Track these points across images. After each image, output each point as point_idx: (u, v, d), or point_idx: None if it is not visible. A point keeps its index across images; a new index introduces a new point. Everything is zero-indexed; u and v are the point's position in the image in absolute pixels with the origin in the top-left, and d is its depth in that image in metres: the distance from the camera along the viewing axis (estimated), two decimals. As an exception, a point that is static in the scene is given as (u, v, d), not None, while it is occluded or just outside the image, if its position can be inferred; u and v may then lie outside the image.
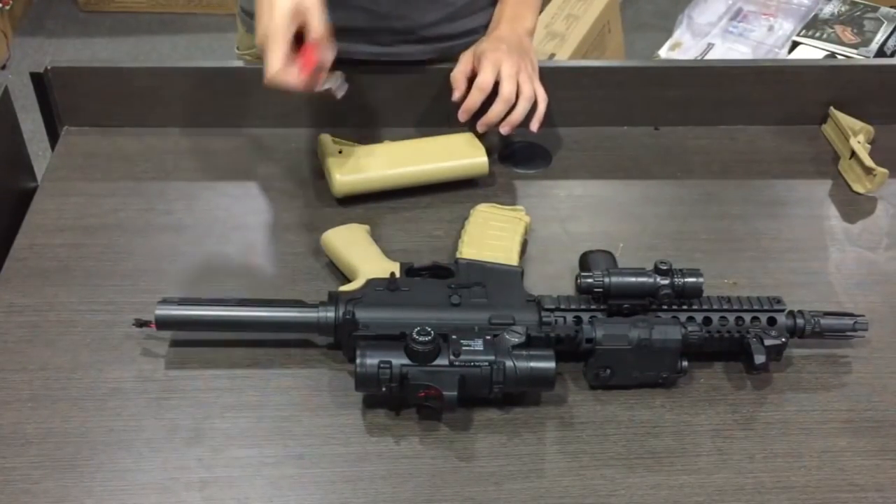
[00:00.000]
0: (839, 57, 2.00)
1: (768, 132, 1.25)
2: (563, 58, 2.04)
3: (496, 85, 1.06)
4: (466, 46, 1.15)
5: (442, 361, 0.82)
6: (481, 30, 1.21)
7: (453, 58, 1.14)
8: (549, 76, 1.23)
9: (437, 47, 1.19)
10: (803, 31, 2.10)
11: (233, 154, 1.17)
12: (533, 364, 0.82)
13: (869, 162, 1.14)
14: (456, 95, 1.08)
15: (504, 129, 1.07)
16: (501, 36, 1.13)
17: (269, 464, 0.81)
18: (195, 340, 0.91)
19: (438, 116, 1.20)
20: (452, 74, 1.09)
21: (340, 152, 1.09)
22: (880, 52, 2.02)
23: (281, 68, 0.91)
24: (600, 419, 0.87)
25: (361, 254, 0.97)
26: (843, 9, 2.15)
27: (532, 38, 1.17)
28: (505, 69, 1.06)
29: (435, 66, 1.18)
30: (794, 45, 2.09)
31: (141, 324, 0.89)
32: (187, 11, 3.16)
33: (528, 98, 1.06)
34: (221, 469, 0.81)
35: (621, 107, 1.24)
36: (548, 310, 0.88)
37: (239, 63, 1.25)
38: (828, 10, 2.16)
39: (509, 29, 1.14)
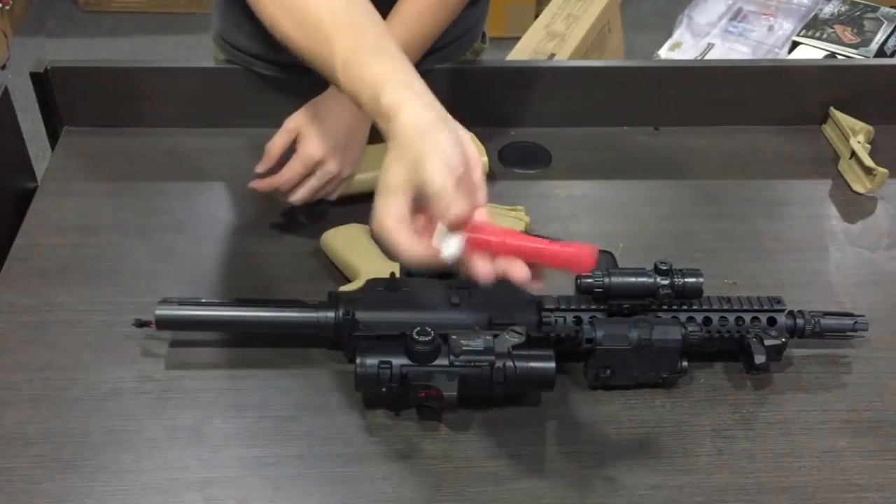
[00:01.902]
0: (839, 57, 2.00)
1: (768, 132, 1.25)
2: (563, 58, 2.03)
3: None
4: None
5: (442, 361, 0.82)
6: (473, 28, 1.21)
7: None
8: (550, 76, 1.23)
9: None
10: (803, 31, 2.10)
11: (233, 154, 1.17)
12: (533, 364, 0.82)
13: (869, 162, 1.14)
14: (259, 168, 1.00)
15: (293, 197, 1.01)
16: (338, 110, 0.99)
17: (269, 464, 0.82)
18: (195, 340, 0.91)
19: (438, 116, 1.20)
20: (268, 145, 1.00)
21: (340, 152, 1.09)
22: (880, 52, 2.02)
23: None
24: (600, 419, 0.87)
25: (361, 254, 0.97)
26: (843, 9, 2.15)
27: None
28: (315, 175, 0.99)
29: (434, 66, 1.18)
30: (794, 45, 2.08)
31: (141, 324, 0.89)
32: (187, 11, 3.16)
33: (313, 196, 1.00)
34: (221, 469, 0.81)
35: (621, 107, 1.24)
36: (548, 310, 0.88)
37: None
38: (828, 10, 2.15)
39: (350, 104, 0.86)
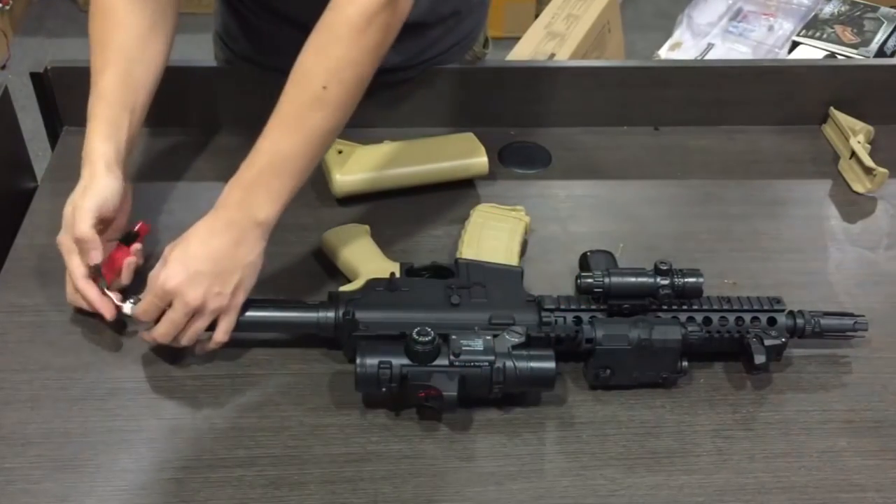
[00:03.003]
0: (839, 57, 2.00)
1: (768, 132, 1.25)
2: (563, 58, 2.03)
3: None
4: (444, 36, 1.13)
5: (442, 361, 0.82)
6: (469, 35, 1.21)
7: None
8: (550, 76, 1.23)
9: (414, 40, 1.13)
10: (803, 31, 2.10)
11: (233, 154, 1.16)
12: (533, 364, 0.82)
13: (869, 162, 1.14)
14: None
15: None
16: (207, 234, 0.86)
17: (269, 464, 0.81)
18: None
19: (438, 116, 1.20)
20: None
21: (340, 152, 1.09)
22: (880, 52, 2.02)
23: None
24: (600, 419, 0.87)
25: (361, 254, 0.97)
26: (843, 9, 2.15)
27: (266, 228, 0.87)
28: (173, 308, 0.83)
29: (433, 66, 1.18)
30: (794, 45, 2.08)
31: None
32: (186, 11, 3.14)
33: (190, 339, 0.85)
34: (221, 469, 0.81)
35: (621, 107, 1.24)
36: (548, 310, 0.88)
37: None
38: (828, 10, 2.15)
39: (227, 217, 0.86)
